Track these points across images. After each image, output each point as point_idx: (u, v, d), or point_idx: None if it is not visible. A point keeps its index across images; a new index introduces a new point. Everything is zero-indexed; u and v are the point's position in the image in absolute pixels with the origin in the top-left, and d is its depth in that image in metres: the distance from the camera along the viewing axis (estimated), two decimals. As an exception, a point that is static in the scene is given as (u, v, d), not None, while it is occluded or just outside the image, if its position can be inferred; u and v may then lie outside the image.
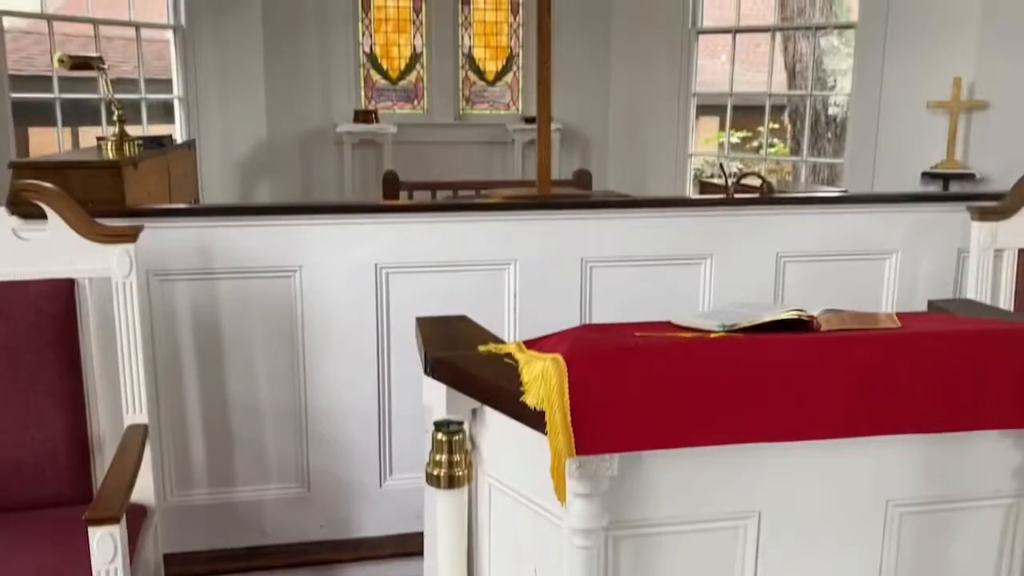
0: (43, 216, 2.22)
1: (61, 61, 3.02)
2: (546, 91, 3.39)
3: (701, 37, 6.82)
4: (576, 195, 3.61)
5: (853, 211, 3.06)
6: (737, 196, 3.13)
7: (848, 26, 7.86)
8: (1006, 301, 2.61)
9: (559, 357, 1.28)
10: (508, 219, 2.88)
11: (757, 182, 3.38)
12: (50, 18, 5.53)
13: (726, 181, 3.85)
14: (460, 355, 1.52)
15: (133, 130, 4.00)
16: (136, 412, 2.26)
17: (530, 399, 1.29)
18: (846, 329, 1.44)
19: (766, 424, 1.30)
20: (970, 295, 2.59)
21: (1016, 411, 1.37)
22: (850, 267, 3.03)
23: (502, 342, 1.58)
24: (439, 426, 1.41)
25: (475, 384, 1.46)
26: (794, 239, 2.99)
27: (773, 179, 10.29)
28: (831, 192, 5.11)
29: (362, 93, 6.96)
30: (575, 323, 2.90)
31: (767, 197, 3.15)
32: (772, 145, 10.47)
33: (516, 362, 1.40)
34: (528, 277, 2.86)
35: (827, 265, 3.02)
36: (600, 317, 2.93)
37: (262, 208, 2.85)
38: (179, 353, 2.66)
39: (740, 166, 10.11)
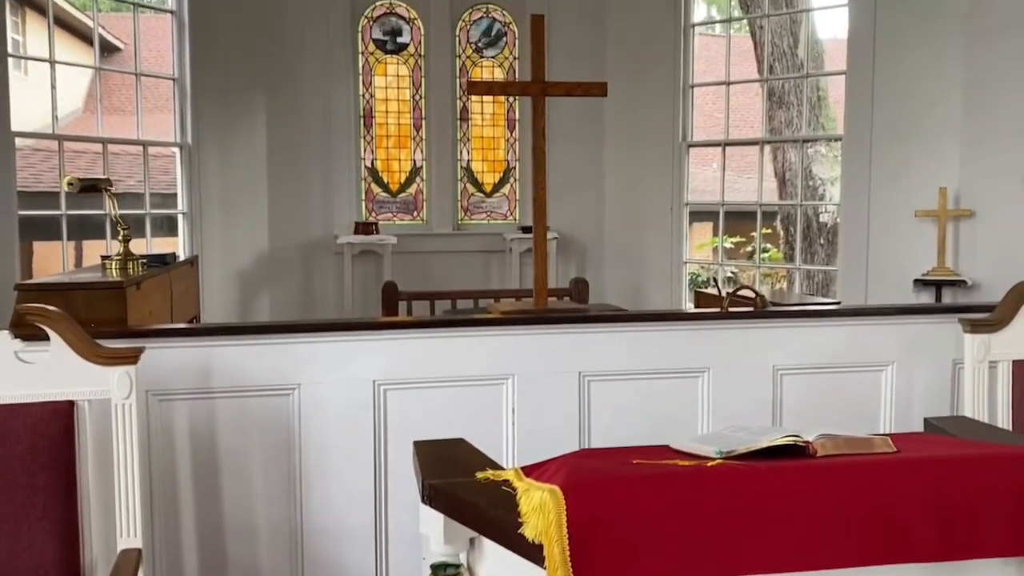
0: (45, 338, 2.24)
1: (70, 184, 3.10)
2: (542, 209, 3.48)
3: (692, 150, 7.03)
4: (573, 309, 3.64)
5: (847, 323, 3.09)
6: (732, 310, 3.17)
7: (835, 138, 8.13)
8: (1004, 414, 2.61)
9: (557, 489, 1.28)
10: (506, 334, 2.90)
11: (751, 295, 3.43)
12: (60, 138, 5.70)
13: (720, 292, 3.90)
14: (458, 483, 1.52)
15: (137, 244, 4.08)
16: (130, 536, 2.22)
17: (528, 531, 1.28)
18: (842, 455, 1.45)
19: (765, 555, 1.29)
20: (967, 409, 2.60)
21: (1017, 538, 1.36)
22: (847, 379, 3.04)
23: (500, 467, 1.58)
24: (436, 569, 1.39)
25: (473, 514, 1.45)
26: (790, 352, 3.01)
27: (768, 284, 10.41)
28: (825, 304, 5.16)
29: (363, 205, 7.11)
30: (574, 439, 2.88)
31: (762, 311, 3.18)
32: (766, 250, 10.65)
33: (514, 490, 1.40)
34: (526, 392, 2.87)
35: (824, 377, 3.03)
36: (599, 432, 2.91)
37: (261, 327, 2.88)
38: (176, 473, 2.64)
39: (735, 270, 10.23)
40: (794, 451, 1.47)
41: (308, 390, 2.71)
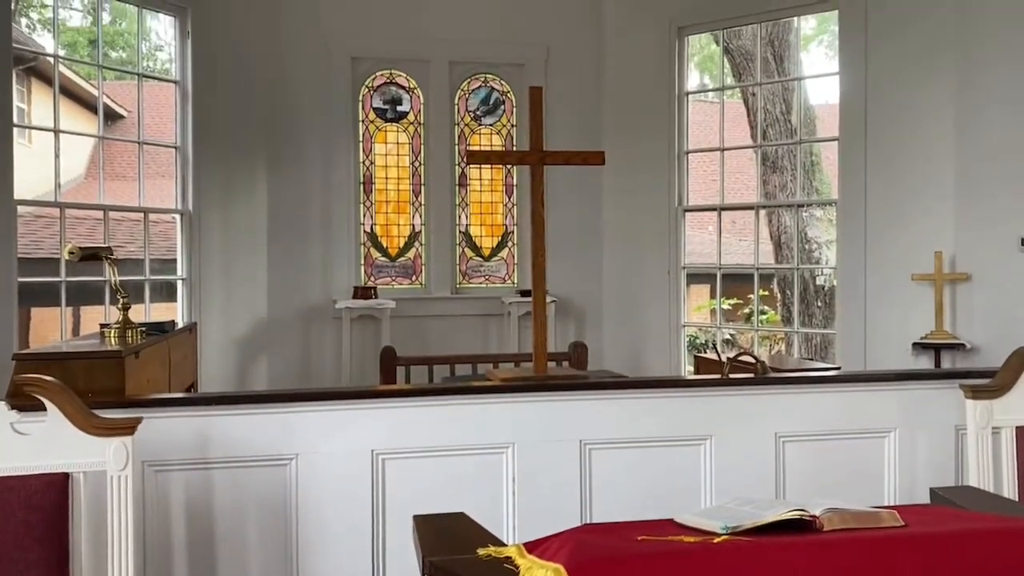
0: (42, 408, 2.23)
1: (71, 253, 3.12)
2: (541, 276, 3.49)
3: (688, 214, 7.09)
4: (573, 375, 3.63)
5: (848, 389, 3.08)
6: (733, 376, 3.16)
7: (829, 202, 8.22)
8: (1009, 482, 2.58)
9: (561, 568, 1.26)
10: (505, 401, 2.89)
11: (752, 360, 3.42)
12: (63, 206, 5.75)
13: (720, 357, 3.89)
14: (459, 560, 1.49)
15: (136, 310, 4.08)
16: (122, 613, 2.17)
17: (532, 611, 1.26)
18: (849, 529, 1.42)
19: (775, 636, 1.25)
20: (972, 478, 2.57)
21: (1030, 615, 1.33)
22: (850, 446, 3.02)
23: (501, 543, 1.56)
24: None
25: (475, 592, 1.42)
26: (792, 418, 3.00)
27: (766, 347, 10.40)
28: (825, 369, 5.14)
29: (362, 270, 7.13)
30: (575, 507, 2.85)
31: (763, 377, 3.18)
32: (763, 313, 10.68)
33: (517, 568, 1.37)
34: (527, 460, 2.84)
35: (827, 444, 3.01)
36: (600, 501, 2.88)
37: (259, 396, 2.87)
38: (170, 546, 2.59)
39: (733, 333, 10.23)
40: (801, 526, 1.44)
41: (306, 460, 2.69)
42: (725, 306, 10.49)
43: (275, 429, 2.69)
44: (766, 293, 10.01)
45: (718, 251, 7.15)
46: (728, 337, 10.91)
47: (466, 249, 7.38)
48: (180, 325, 4.66)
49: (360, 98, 7.18)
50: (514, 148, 7.34)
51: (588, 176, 6.76)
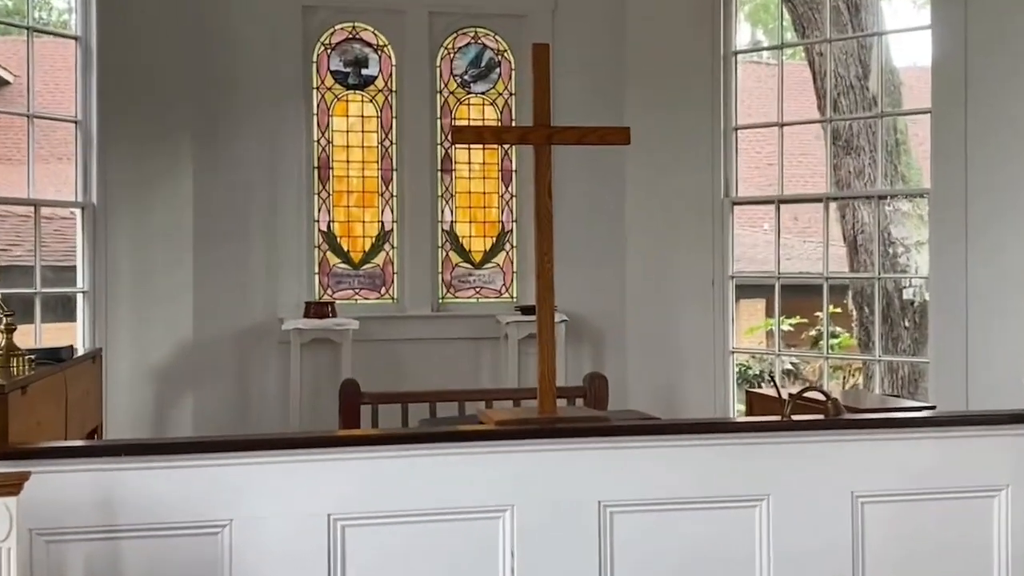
0: (-100, 462, 2.22)
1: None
2: (548, 286, 3.49)
3: (737, 208, 7.10)
4: (589, 418, 3.62)
5: (947, 435, 3.09)
6: (796, 418, 3.16)
7: (919, 193, 8.24)
8: None
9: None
10: (502, 451, 2.90)
11: (821, 397, 3.42)
12: (-70, 196, 5.75)
13: (779, 394, 3.88)
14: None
15: (24, 333, 4.06)
16: None
17: None
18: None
19: None
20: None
21: None
22: (948, 509, 3.02)
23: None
24: None
25: None
26: (873, 473, 3.00)
27: (838, 380, 10.42)
28: (915, 409, 5.14)
29: (316, 280, 7.13)
30: (592, 590, 2.84)
31: (835, 419, 3.18)
32: (835, 335, 10.69)
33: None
34: (529, 529, 2.84)
35: (918, 507, 3.01)
36: (625, 581, 2.88)
37: (182, 444, 2.87)
38: (64, 641, 2.58)
39: (795, 362, 10.24)
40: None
41: (243, 528, 2.68)
42: (786, 327, 10.49)
43: (203, 487, 2.68)
44: (838, 310, 10.02)
45: (776, 256, 7.15)
46: (790, 367, 10.91)
47: (451, 253, 7.39)
48: (80, 352, 4.64)
49: (314, 59, 7.20)
50: (513, 123, 7.35)
51: (608, 159, 6.77)
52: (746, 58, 7.88)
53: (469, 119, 7.36)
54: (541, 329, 3.50)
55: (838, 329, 10.64)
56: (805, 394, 3.53)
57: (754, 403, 5.51)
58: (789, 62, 9.43)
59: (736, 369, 7.33)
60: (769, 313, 11.01)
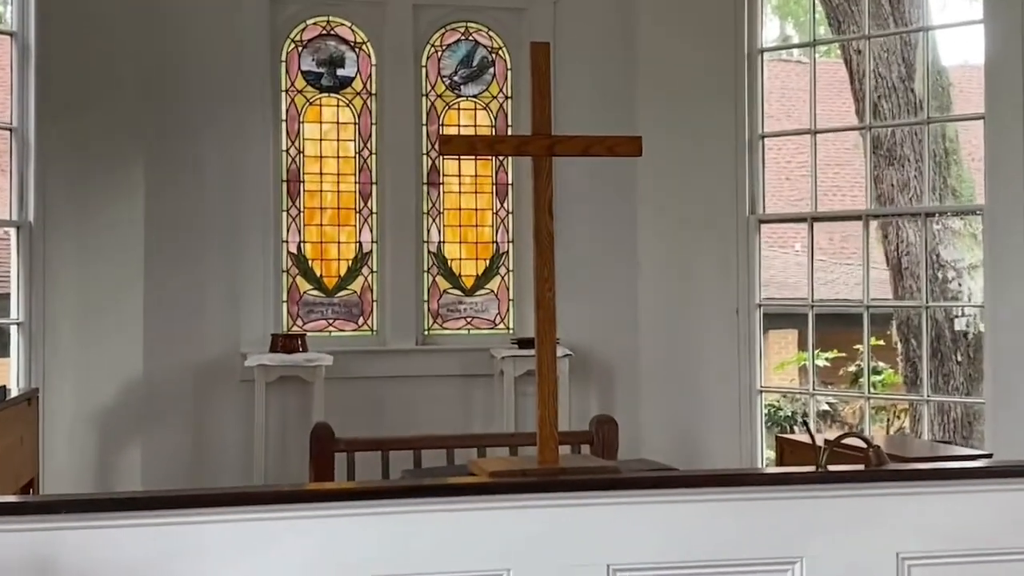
0: None
1: None
2: (549, 317, 3.48)
3: (764, 227, 7.11)
4: (596, 468, 3.61)
5: (1007, 487, 3.08)
6: (833, 468, 3.15)
7: (972, 210, 8.26)
8: None
9: None
10: (497, 507, 2.89)
11: (862, 444, 3.41)
12: None
13: (813, 440, 3.87)
14: None
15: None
16: None
17: None
18: None
19: None
20: None
21: None
22: (1009, 573, 3.00)
23: None
24: None
25: None
26: (922, 532, 2.99)
27: (881, 423, 10.41)
28: (970, 458, 5.13)
29: (284, 310, 7.13)
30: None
31: (878, 470, 3.17)
32: (877, 372, 10.69)
33: None
34: (528, 597, 2.82)
35: (973, 570, 3.00)
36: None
37: (130, 500, 2.85)
38: None
39: (832, 402, 10.23)
40: None
41: (198, 597, 2.66)
42: (821, 362, 10.51)
43: (155, 549, 2.66)
44: (881, 343, 10.01)
45: (809, 281, 7.17)
46: (826, 408, 10.88)
47: (439, 278, 7.40)
48: (14, 393, 4.63)
49: (283, 58, 7.23)
50: (509, 131, 7.37)
51: (617, 173, 6.79)
52: (773, 57, 7.92)
53: (459, 126, 7.39)
54: (541, 365, 3.49)
55: (881, 364, 10.64)
56: (843, 440, 3.52)
57: (785, 450, 5.50)
58: (823, 61, 9.48)
59: (765, 411, 7.31)
60: (802, 346, 11.02)
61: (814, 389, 7.53)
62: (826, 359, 10.88)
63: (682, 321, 7.17)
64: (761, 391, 7.13)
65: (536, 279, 3.51)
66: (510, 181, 7.45)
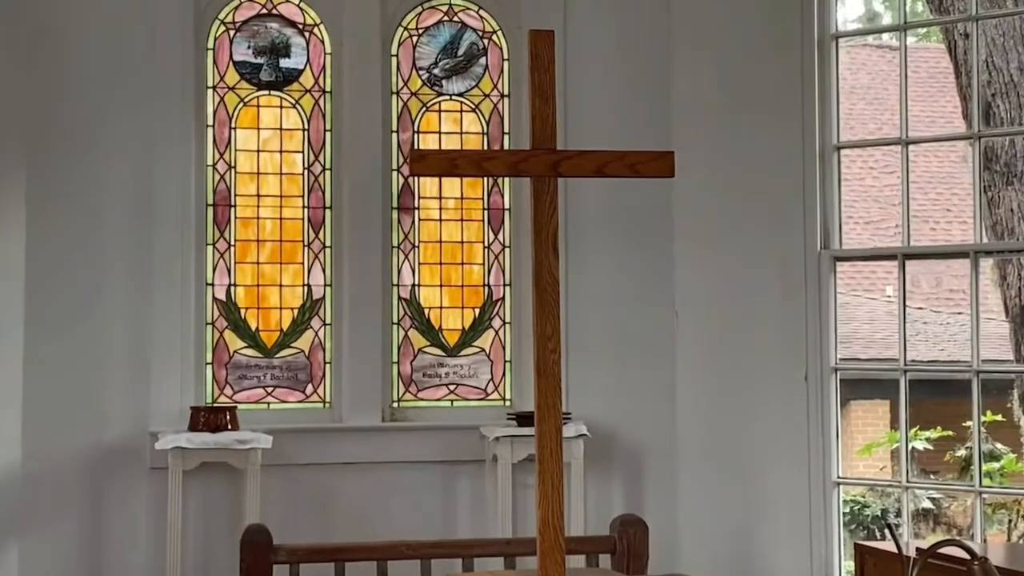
0: None
1: None
2: (553, 385, 3.51)
3: (841, 266, 7.13)
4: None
5: None
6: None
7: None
8: None
9: None
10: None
11: (966, 556, 3.43)
12: None
13: (899, 548, 3.89)
14: None
15: None
16: None
17: None
18: None
19: None
20: None
21: None
22: None
23: None
24: None
25: None
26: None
27: (1001, 525, 10.34)
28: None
29: (208, 375, 7.12)
30: None
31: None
32: (994, 456, 10.65)
33: None
34: None
35: None
36: None
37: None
38: None
39: (936, 497, 10.20)
40: None
41: None
42: (920, 443, 10.46)
43: None
44: (999, 418, 10.04)
45: (901, 336, 7.18)
46: (928, 506, 10.78)
47: (413, 333, 7.40)
48: None
49: (210, 45, 7.26)
50: (505, 141, 7.40)
51: (646, 197, 6.82)
52: (850, 43, 7.95)
53: (440, 134, 7.42)
54: (543, 449, 3.51)
55: (998, 447, 10.62)
56: (940, 550, 3.53)
57: (867, 562, 5.51)
58: (919, 47, 9.54)
59: (844, 509, 7.31)
60: (894, 423, 10.94)
61: (909, 480, 7.52)
62: (926, 440, 10.85)
63: (733, 390, 7.16)
64: (839, 483, 7.11)
65: (537, 336, 3.54)
66: (507, 205, 7.46)
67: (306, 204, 7.33)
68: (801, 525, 6.98)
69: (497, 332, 7.46)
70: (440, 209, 7.45)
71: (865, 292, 9.23)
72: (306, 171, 7.34)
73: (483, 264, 7.47)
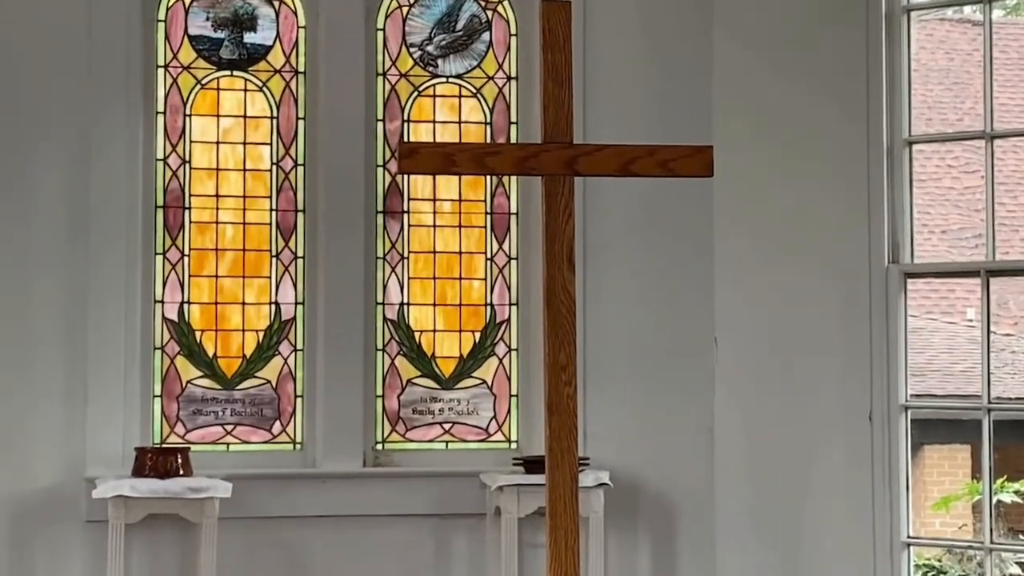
0: None
1: None
2: (566, 425, 3.53)
3: (913, 283, 7.14)
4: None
5: None
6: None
7: None
8: None
9: None
10: None
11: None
12: None
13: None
14: None
15: None
16: None
17: None
18: None
19: None
20: None
21: None
22: None
23: None
24: None
25: None
26: None
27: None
28: None
29: (157, 409, 7.14)
30: None
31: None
32: (1095, 513, 10.66)
33: None
34: None
35: None
36: None
37: None
38: None
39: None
40: None
41: None
42: (1008, 496, 10.46)
43: None
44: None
45: (984, 368, 7.19)
46: (1016, 572, 10.76)
47: (400, 360, 7.41)
48: None
49: (162, 16, 7.28)
50: (511, 132, 7.43)
51: (680, 200, 6.84)
52: (924, 17, 7.96)
53: (434, 123, 7.44)
54: (556, 502, 3.54)
55: (1101, 501, 10.64)
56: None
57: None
58: (1007, 22, 9.57)
59: (918, 574, 7.32)
60: (975, 472, 10.94)
61: (994, 540, 7.52)
62: (1015, 492, 10.86)
63: (783, 432, 7.17)
64: (909, 543, 7.12)
65: (548, 365, 3.56)
66: (513, 209, 7.49)
67: (274, 206, 7.33)
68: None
69: (501, 361, 7.46)
70: (434, 213, 7.46)
71: (942, 315, 9.24)
72: (275, 167, 7.35)
73: (485, 279, 7.48)
